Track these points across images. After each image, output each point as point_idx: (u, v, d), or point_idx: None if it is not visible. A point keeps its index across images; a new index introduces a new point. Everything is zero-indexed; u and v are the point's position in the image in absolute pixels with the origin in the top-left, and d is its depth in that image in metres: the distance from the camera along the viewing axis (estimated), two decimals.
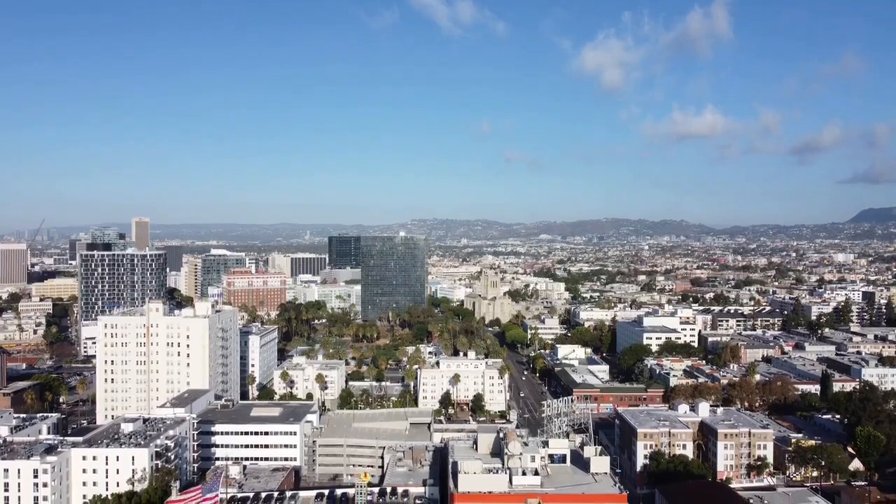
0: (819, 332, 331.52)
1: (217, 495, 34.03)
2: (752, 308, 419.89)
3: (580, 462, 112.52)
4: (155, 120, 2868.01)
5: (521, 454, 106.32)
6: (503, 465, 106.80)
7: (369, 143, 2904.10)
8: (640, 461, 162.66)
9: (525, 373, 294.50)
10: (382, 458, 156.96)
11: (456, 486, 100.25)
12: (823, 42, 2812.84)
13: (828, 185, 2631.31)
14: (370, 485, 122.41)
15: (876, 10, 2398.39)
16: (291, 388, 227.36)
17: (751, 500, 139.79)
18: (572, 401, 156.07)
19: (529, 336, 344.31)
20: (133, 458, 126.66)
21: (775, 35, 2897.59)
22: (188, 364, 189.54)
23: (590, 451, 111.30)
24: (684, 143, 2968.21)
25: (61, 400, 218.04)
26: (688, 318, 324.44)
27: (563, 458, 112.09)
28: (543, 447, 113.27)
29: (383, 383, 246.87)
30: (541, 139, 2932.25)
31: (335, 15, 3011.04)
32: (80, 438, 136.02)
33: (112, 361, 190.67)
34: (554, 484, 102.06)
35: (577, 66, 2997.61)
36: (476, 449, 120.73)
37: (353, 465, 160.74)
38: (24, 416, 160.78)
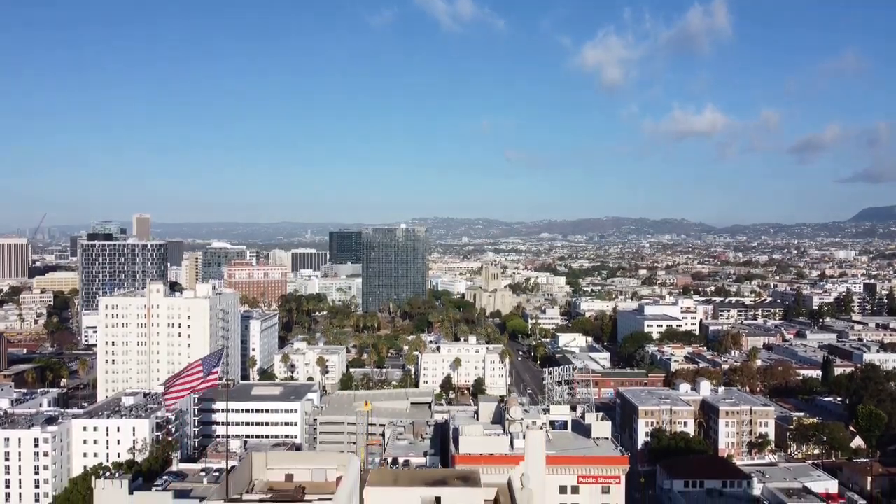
0: (820, 321, 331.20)
1: (217, 372, 33.35)
2: (753, 299, 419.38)
3: (581, 429, 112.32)
4: (154, 119, 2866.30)
5: (522, 419, 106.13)
6: (504, 430, 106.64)
7: (369, 142, 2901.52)
8: (642, 439, 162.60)
9: (521, 356, 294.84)
10: (384, 434, 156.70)
11: (457, 448, 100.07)
12: (824, 40, 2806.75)
13: (828, 183, 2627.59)
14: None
15: (877, 8, 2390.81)
16: (292, 372, 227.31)
17: (752, 474, 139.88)
18: (573, 369, 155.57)
19: (530, 326, 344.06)
20: (134, 428, 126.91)
21: (775, 33, 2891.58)
22: (189, 345, 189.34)
23: (591, 418, 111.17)
24: (685, 142, 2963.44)
25: (62, 383, 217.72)
26: (689, 307, 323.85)
27: (564, 425, 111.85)
28: (545, 414, 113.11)
29: (384, 369, 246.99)
30: (541, 138, 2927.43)
31: (334, 12, 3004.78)
32: (80, 410, 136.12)
33: (113, 342, 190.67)
34: (556, 448, 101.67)
35: (577, 64, 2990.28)
36: (477, 419, 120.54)
37: (354, 444, 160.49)
38: (25, 390, 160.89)
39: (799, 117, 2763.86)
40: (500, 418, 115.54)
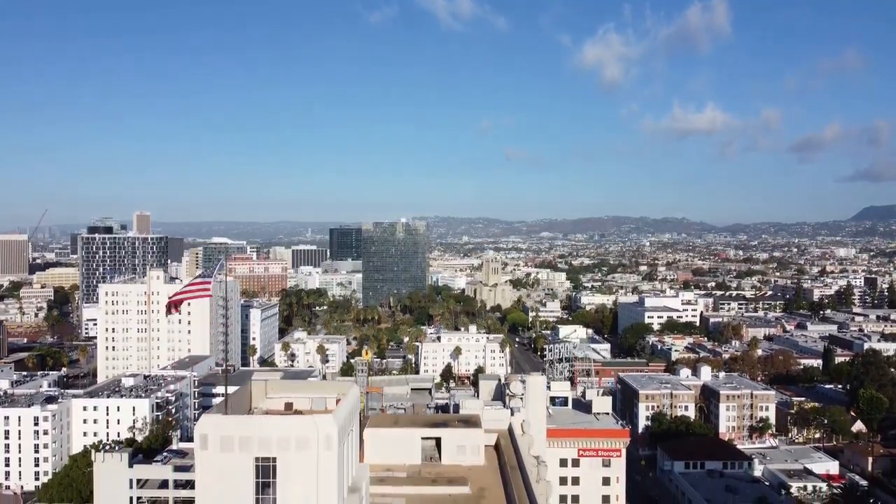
0: (821, 313, 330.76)
1: (210, 281, 33.07)
2: (753, 293, 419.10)
3: (582, 406, 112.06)
4: (154, 119, 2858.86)
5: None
6: (505, 405, 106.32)
7: (368, 141, 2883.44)
8: (642, 423, 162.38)
9: (521, 348, 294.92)
10: None
11: None
12: (824, 38, 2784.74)
13: (829, 182, 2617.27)
14: None
15: (877, 6, 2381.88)
16: (292, 360, 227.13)
17: (753, 456, 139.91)
18: (574, 347, 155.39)
19: (531, 319, 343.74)
20: (134, 408, 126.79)
21: (775, 31, 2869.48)
22: (189, 332, 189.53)
23: (592, 394, 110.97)
24: (685, 141, 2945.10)
25: (63, 371, 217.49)
26: (689, 299, 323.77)
27: (564, 402, 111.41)
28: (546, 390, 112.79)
29: (385, 360, 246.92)
30: (541, 136, 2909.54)
31: (334, 10, 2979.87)
32: (80, 391, 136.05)
33: (113, 329, 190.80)
34: (556, 422, 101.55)
35: (577, 62, 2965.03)
36: (478, 397, 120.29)
37: None
38: (26, 373, 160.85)
39: (799, 116, 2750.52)
40: (500, 396, 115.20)
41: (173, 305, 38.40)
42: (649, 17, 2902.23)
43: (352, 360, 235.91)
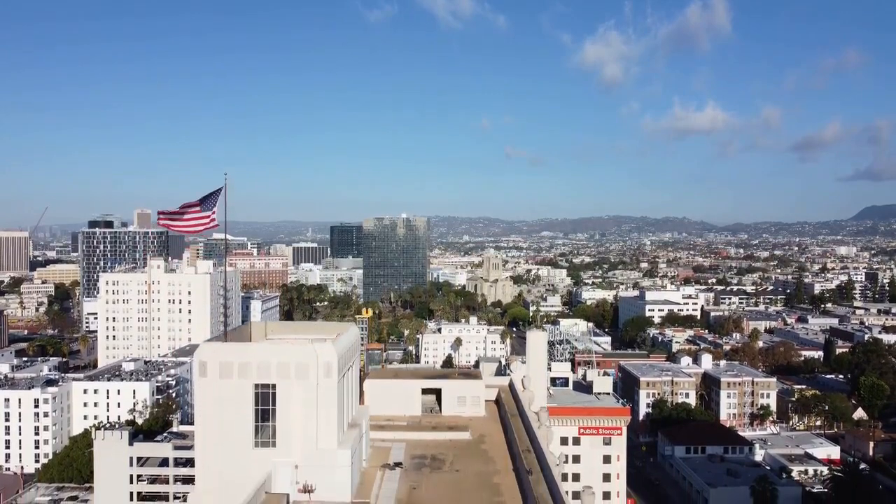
0: (822, 306, 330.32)
1: (214, 214, 31.82)
2: (754, 288, 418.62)
3: (583, 388, 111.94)
4: (155, 119, 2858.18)
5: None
6: None
7: (369, 141, 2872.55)
8: (643, 410, 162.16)
9: (518, 338, 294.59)
10: None
11: None
12: (824, 38, 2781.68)
13: (830, 182, 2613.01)
14: None
15: (877, 6, 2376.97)
16: None
17: (754, 441, 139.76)
18: (575, 340, 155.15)
19: (531, 313, 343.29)
20: (134, 391, 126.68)
21: (775, 29, 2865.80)
22: (189, 320, 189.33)
23: (592, 374, 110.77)
24: (685, 140, 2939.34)
25: (63, 359, 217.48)
26: (690, 293, 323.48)
27: (565, 382, 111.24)
28: (546, 370, 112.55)
29: (385, 352, 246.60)
30: (541, 135, 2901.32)
31: (333, 8, 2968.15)
32: (80, 375, 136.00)
33: (114, 318, 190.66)
34: (557, 401, 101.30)
35: (577, 60, 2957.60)
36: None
37: None
38: (26, 358, 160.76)
39: (800, 115, 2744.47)
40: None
41: (167, 220, 37.19)
42: (650, 16, 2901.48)
43: None
